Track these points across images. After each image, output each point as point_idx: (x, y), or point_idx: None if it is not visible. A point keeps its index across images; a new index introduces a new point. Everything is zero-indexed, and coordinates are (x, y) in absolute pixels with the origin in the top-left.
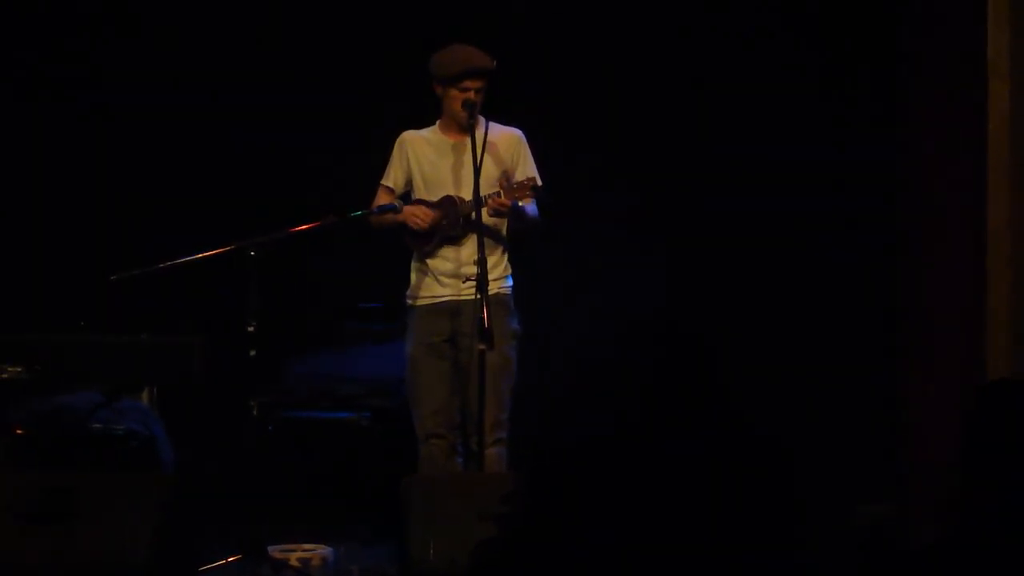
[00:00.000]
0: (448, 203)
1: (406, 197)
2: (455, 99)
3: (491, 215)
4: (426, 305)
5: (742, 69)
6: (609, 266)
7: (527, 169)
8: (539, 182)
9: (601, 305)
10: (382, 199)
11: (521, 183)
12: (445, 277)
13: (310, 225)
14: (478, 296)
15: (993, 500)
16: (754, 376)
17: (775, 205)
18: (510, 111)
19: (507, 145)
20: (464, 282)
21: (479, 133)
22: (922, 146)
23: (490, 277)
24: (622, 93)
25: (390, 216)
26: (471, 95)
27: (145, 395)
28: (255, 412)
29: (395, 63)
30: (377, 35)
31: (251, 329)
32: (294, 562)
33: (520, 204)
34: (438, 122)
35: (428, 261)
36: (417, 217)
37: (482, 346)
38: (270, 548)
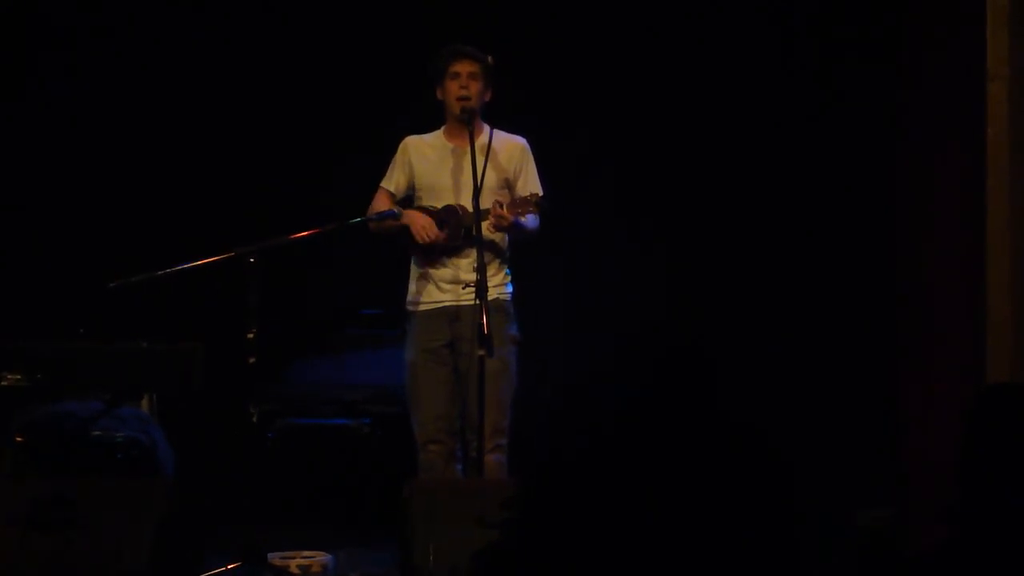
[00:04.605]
0: (450, 212)
1: (407, 201)
2: (451, 92)
3: (492, 229)
4: (426, 310)
5: (742, 72)
6: (610, 272)
7: (529, 182)
8: (541, 193)
9: (602, 311)
10: (381, 202)
11: (524, 199)
12: (445, 283)
13: (310, 231)
14: (477, 302)
15: (993, 505)
16: (754, 381)
17: (775, 207)
18: (512, 116)
19: (509, 154)
20: (463, 288)
21: (482, 140)
22: (922, 148)
23: (490, 283)
24: (624, 98)
25: (389, 221)
26: (463, 80)
27: (145, 402)
28: (255, 419)
29: (398, 68)
30: (380, 39)
31: (251, 336)
32: (294, 569)
33: (522, 219)
34: (442, 127)
35: (428, 267)
36: (425, 231)
37: (481, 351)
38: (270, 555)
